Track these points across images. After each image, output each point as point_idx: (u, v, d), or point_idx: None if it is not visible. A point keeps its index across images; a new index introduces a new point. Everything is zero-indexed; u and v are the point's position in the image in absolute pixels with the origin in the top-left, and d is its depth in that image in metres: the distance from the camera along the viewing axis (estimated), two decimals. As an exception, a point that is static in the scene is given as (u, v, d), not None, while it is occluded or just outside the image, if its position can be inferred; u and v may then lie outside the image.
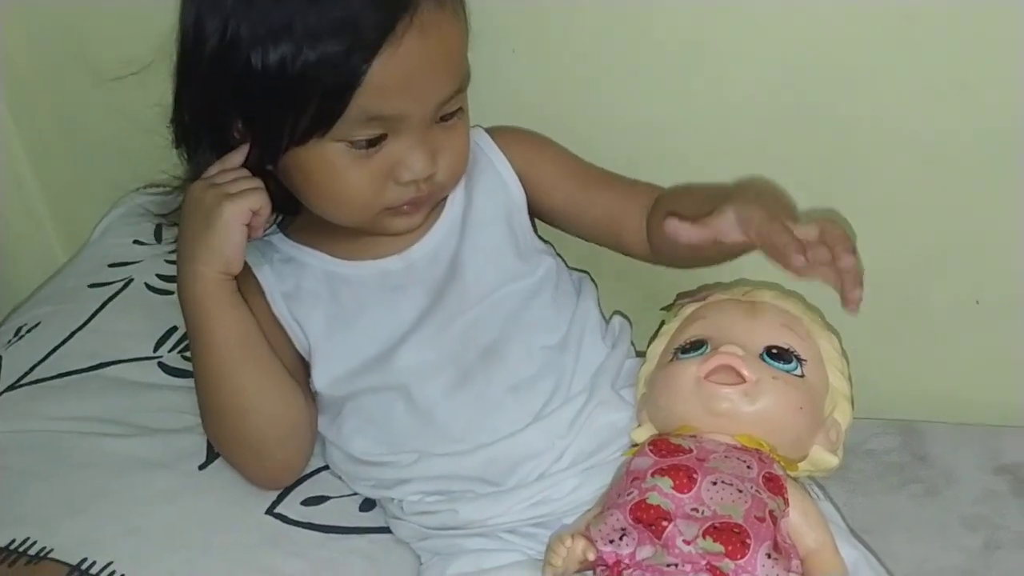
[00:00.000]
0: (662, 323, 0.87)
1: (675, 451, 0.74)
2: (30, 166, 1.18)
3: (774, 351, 0.78)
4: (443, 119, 0.79)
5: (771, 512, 0.71)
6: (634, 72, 0.96)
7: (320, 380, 0.83)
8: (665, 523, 0.69)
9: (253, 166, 0.81)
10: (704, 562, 0.67)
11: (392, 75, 0.74)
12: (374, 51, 0.73)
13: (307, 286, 0.85)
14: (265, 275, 0.85)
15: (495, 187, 0.89)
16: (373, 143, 0.77)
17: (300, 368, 0.85)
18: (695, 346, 0.79)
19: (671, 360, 0.80)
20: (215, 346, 0.80)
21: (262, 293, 0.85)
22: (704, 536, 0.68)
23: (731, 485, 0.71)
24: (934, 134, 0.93)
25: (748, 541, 0.68)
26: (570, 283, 0.90)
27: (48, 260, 1.18)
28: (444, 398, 0.81)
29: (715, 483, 0.71)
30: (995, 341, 1.00)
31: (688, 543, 0.68)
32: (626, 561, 0.69)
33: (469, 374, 0.82)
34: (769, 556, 0.68)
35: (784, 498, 0.73)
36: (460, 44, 0.80)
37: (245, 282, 0.85)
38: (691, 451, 0.74)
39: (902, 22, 0.89)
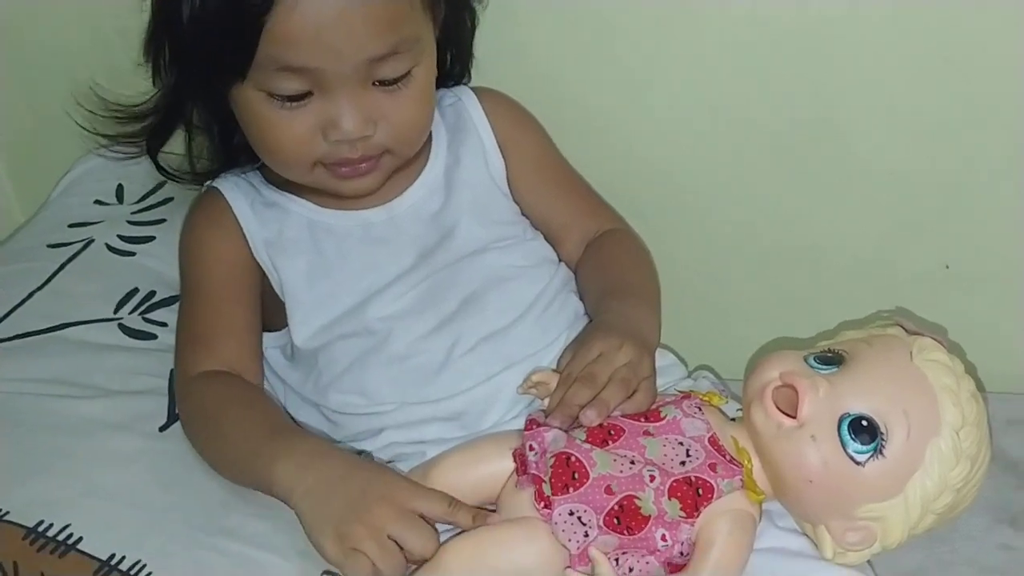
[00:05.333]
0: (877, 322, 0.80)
1: (645, 416, 0.74)
2: (-13, 124, 1.16)
3: (862, 423, 0.68)
4: (384, 83, 0.78)
5: (633, 499, 0.69)
6: (610, 38, 0.96)
7: (300, 332, 0.83)
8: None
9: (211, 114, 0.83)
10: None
11: (298, 23, 0.73)
12: None
13: (290, 234, 0.85)
14: (248, 220, 0.86)
15: (477, 151, 0.89)
16: (294, 99, 0.77)
17: (260, 324, 0.86)
18: (828, 360, 0.72)
19: (803, 357, 0.73)
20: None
21: (243, 237, 0.85)
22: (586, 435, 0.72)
23: (635, 452, 0.71)
24: (903, 100, 0.93)
25: (586, 474, 0.69)
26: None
27: (6, 220, 1.16)
28: (420, 344, 0.82)
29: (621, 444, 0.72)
30: (964, 307, 1.00)
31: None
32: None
33: (446, 321, 0.82)
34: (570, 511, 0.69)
35: (693, 513, 0.69)
36: (391, 3, 0.76)
37: (226, 224, 0.86)
38: (661, 420, 0.73)
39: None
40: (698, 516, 0.69)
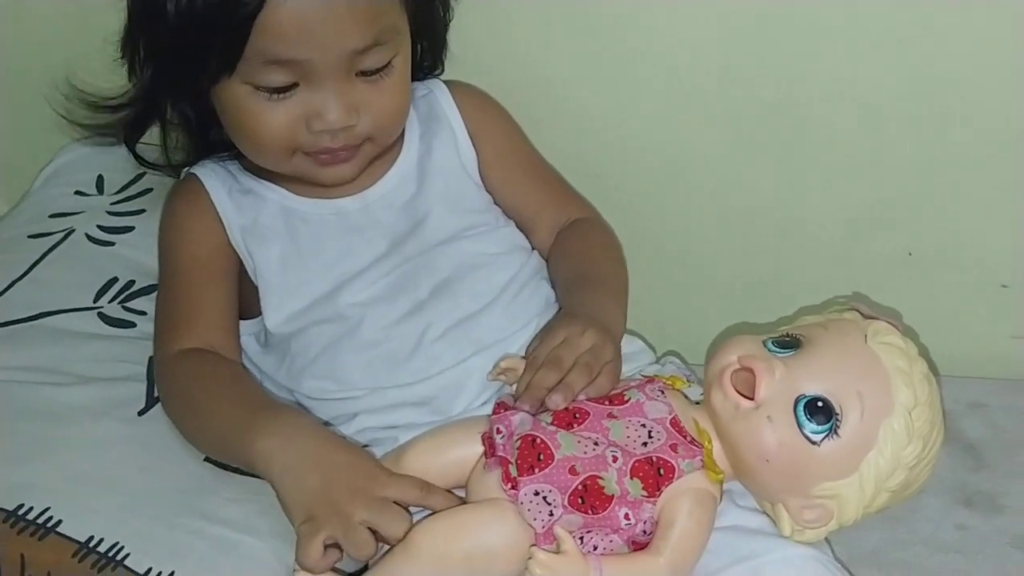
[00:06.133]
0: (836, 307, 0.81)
1: (609, 400, 0.76)
2: (-31, 116, 1.17)
3: (817, 404, 0.70)
4: (366, 74, 0.80)
5: (596, 479, 0.71)
6: (572, 30, 0.97)
7: (273, 318, 0.85)
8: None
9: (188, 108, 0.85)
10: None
11: (287, 17, 0.75)
12: None
13: (265, 221, 0.87)
14: (224, 206, 0.87)
15: (449, 141, 0.91)
16: (280, 91, 0.79)
17: (238, 305, 0.87)
18: (786, 344, 0.74)
19: (761, 341, 0.75)
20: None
21: (220, 222, 0.87)
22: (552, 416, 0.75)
23: (598, 434, 0.73)
24: (869, 88, 0.94)
25: (551, 455, 0.71)
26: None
27: (-11, 211, 1.17)
28: (392, 330, 0.83)
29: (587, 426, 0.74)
30: (926, 293, 1.02)
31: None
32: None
33: (418, 308, 0.84)
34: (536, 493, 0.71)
35: (655, 492, 0.71)
36: None
37: (203, 210, 0.87)
38: (625, 403, 0.75)
39: (840, -23, 0.90)
40: (660, 495, 0.71)
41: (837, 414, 0.70)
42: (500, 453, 0.73)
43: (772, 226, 1.03)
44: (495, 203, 0.92)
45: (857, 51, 0.93)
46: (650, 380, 0.78)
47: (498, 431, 0.74)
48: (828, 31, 0.93)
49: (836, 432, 0.70)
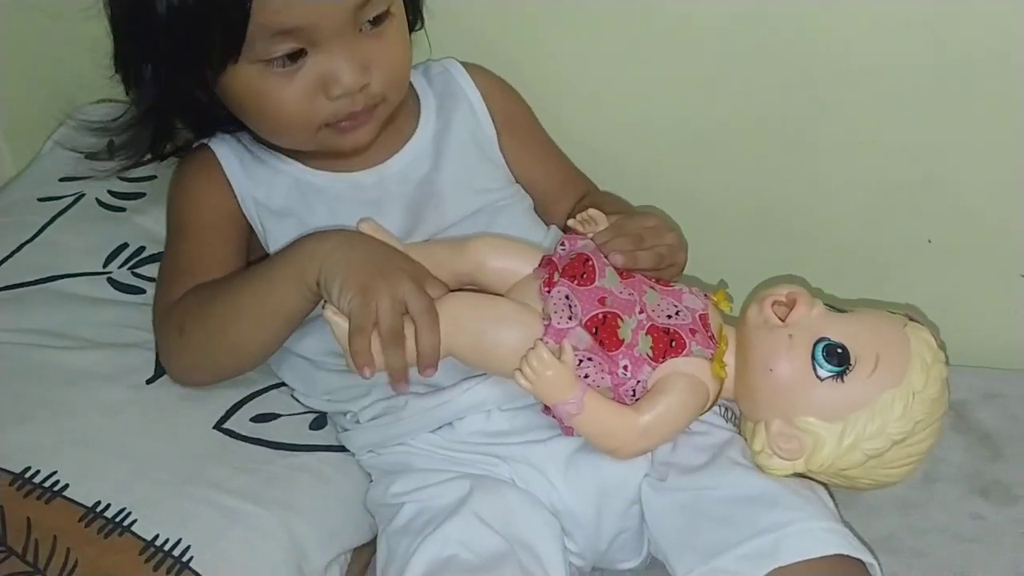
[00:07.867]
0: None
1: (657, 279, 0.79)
2: (-20, 78, 1.16)
3: (837, 350, 0.73)
4: (370, 25, 0.79)
5: (617, 318, 0.73)
6: (586, 13, 0.96)
7: None
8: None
9: (192, 99, 0.83)
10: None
11: None
12: None
13: (279, 192, 0.86)
14: (237, 176, 0.86)
15: (468, 117, 0.90)
16: (292, 58, 0.77)
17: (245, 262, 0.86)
18: (834, 309, 0.77)
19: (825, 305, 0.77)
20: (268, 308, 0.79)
21: (231, 192, 0.86)
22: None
23: (636, 293, 0.76)
24: (892, 71, 0.93)
25: (592, 279, 0.75)
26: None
27: (-2, 174, 1.16)
28: None
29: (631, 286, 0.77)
30: (945, 282, 1.01)
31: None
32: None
33: None
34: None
35: (659, 358, 0.73)
36: None
37: (215, 178, 0.86)
38: (668, 286, 0.78)
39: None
40: (662, 363, 0.74)
41: (850, 364, 0.73)
42: (554, 259, 0.77)
43: (791, 211, 1.02)
44: (515, 180, 0.92)
45: (878, 33, 0.92)
46: (699, 289, 0.80)
47: (562, 244, 0.78)
48: (848, 12, 0.92)
49: (842, 378, 0.73)
